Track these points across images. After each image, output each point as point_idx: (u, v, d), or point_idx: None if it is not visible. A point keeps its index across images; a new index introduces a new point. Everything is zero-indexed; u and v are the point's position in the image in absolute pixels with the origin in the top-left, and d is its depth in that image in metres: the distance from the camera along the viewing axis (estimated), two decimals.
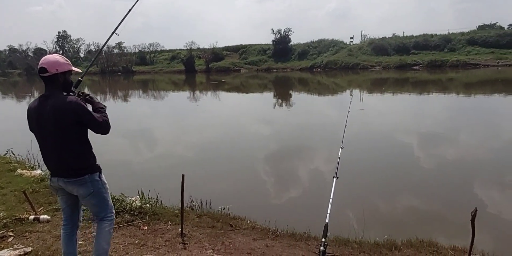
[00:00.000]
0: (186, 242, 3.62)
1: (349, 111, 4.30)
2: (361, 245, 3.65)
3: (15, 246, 3.44)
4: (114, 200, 4.35)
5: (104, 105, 2.74)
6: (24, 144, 7.47)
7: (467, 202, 5.45)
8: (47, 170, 2.66)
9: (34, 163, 7.02)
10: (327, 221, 2.75)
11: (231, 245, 3.59)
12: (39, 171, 6.23)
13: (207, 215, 4.48)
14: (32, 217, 4.10)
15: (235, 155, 8.85)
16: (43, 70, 2.47)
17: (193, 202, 5.03)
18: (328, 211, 2.80)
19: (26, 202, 4.28)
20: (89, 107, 2.65)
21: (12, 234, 3.74)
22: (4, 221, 3.96)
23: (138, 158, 8.73)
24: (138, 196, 4.84)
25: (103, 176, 2.72)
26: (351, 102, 4.84)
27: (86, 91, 2.81)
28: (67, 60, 2.59)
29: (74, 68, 2.64)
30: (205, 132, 11.92)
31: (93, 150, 2.67)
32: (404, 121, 12.86)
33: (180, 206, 3.78)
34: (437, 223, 4.88)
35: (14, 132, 12.35)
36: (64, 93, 2.58)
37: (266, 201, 5.85)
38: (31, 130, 2.60)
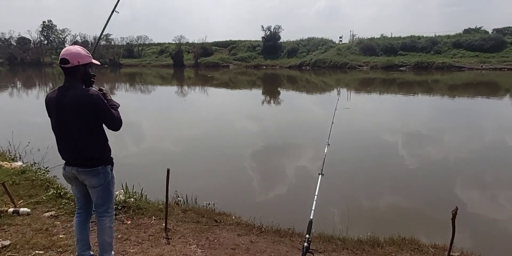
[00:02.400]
0: (170, 237, 3.59)
1: (336, 109, 4.32)
2: (345, 241, 3.69)
3: None
4: None
5: (118, 103, 2.77)
6: (5, 135, 7.29)
7: (448, 200, 5.58)
8: (62, 160, 2.69)
9: (15, 154, 6.84)
10: (311, 217, 2.75)
11: (216, 241, 3.58)
12: (19, 163, 6.07)
13: (192, 210, 4.45)
14: (11, 209, 3.99)
15: (221, 150, 8.82)
16: (65, 61, 2.49)
17: (178, 197, 4.99)
18: (313, 208, 2.81)
19: (5, 194, 4.16)
20: None
21: None
22: None
23: (123, 152, 8.60)
24: (122, 190, 4.76)
25: (113, 171, 2.77)
26: (338, 100, 4.88)
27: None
28: (88, 53, 2.61)
29: (94, 61, 2.66)
30: (192, 128, 11.83)
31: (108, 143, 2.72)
32: (390, 120, 13.06)
33: (165, 200, 3.74)
34: (419, 221, 4.98)
35: None
36: (84, 86, 2.59)
37: (252, 197, 5.86)
38: (50, 117, 2.63)
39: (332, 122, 4.03)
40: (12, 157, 6.66)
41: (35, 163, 6.07)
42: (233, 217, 4.31)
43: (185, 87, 28.19)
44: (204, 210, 4.51)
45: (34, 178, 5.12)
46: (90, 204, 2.87)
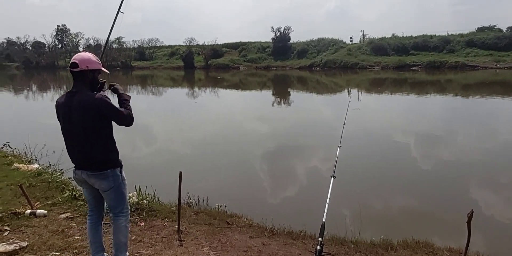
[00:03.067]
0: (182, 239, 3.62)
1: (347, 111, 4.30)
2: (357, 244, 3.66)
3: (11, 240, 3.43)
4: None
5: (129, 96, 2.82)
6: (21, 138, 7.47)
7: (463, 203, 5.48)
8: (71, 163, 2.75)
9: (31, 157, 6.99)
10: (324, 220, 2.76)
11: (228, 243, 3.60)
12: (36, 165, 6.20)
13: (204, 212, 4.48)
14: (28, 211, 4.09)
15: (232, 152, 8.85)
16: (74, 65, 2.56)
17: (190, 199, 5.03)
18: (325, 211, 2.81)
19: (23, 196, 4.26)
20: (114, 98, 2.75)
21: (8, 229, 3.73)
22: (0, 215, 3.94)
23: (135, 154, 8.71)
24: (135, 192, 4.82)
25: (123, 172, 2.81)
26: (349, 101, 4.85)
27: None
28: (98, 60, 2.69)
29: (103, 69, 2.73)
30: (203, 129, 11.90)
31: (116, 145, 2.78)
32: (401, 121, 12.91)
33: (177, 202, 3.77)
34: (433, 224, 4.90)
35: (11, 126, 12.32)
36: (90, 91, 2.65)
37: (263, 199, 5.86)
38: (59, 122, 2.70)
39: (344, 124, 4.02)
40: (29, 159, 6.81)
41: (50, 165, 6.19)
42: (245, 219, 4.32)
43: (196, 89, 28.37)
44: (216, 212, 4.53)
45: (50, 180, 5.23)
46: (101, 206, 2.92)
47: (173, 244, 3.53)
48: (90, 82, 2.64)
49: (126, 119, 2.66)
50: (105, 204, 2.98)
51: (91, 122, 2.55)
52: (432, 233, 4.31)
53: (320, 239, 2.59)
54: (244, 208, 4.74)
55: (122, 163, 2.78)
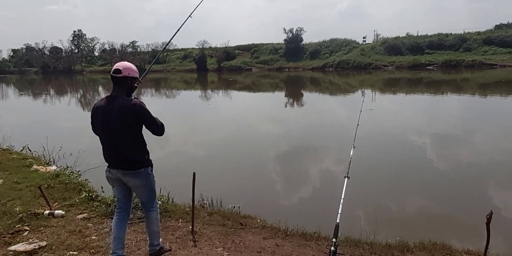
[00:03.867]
0: (196, 240, 3.65)
1: (361, 111, 4.26)
2: (373, 246, 3.61)
3: (30, 240, 3.52)
4: None
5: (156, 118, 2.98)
6: (40, 140, 7.67)
7: (480, 204, 5.35)
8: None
9: (49, 159, 7.17)
10: (338, 221, 2.73)
11: (242, 244, 3.60)
12: (54, 167, 6.35)
13: (217, 213, 4.50)
14: (47, 212, 4.19)
15: (246, 153, 8.87)
16: (117, 71, 2.79)
17: (204, 200, 5.05)
18: (339, 211, 2.79)
19: (41, 197, 4.37)
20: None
21: (28, 229, 3.83)
22: (20, 215, 4.05)
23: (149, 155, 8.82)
24: None
25: (153, 171, 3.02)
26: (363, 101, 4.79)
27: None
28: (137, 70, 2.93)
29: (139, 79, 2.99)
30: (216, 131, 11.97)
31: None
32: (417, 121, 12.67)
33: (191, 203, 3.80)
34: (450, 225, 4.80)
35: (30, 129, 12.65)
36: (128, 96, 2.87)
37: (276, 200, 5.85)
38: (93, 125, 2.91)
39: (358, 124, 3.98)
40: (47, 161, 6.99)
41: (67, 167, 6.34)
42: (258, 220, 4.31)
43: (209, 91, 28.56)
44: (229, 213, 4.55)
45: (67, 181, 5.35)
46: (129, 205, 3.11)
47: (187, 244, 3.56)
48: (128, 88, 2.86)
49: (160, 128, 2.90)
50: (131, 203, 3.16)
51: (128, 125, 2.76)
52: (449, 235, 4.23)
53: (334, 240, 2.57)
54: (257, 209, 4.74)
55: (152, 162, 3.00)
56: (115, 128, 2.75)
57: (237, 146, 9.72)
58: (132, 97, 2.86)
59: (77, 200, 4.62)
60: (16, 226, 3.84)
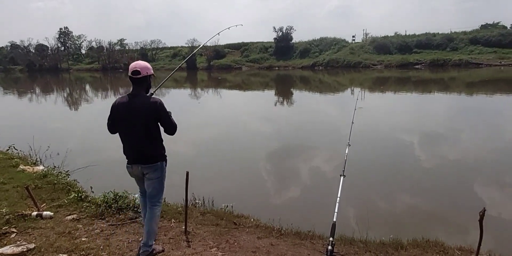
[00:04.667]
0: (190, 240, 3.59)
1: (355, 109, 4.26)
2: (367, 244, 3.61)
3: (18, 242, 3.41)
4: (118, 197, 4.33)
5: (170, 112, 3.13)
6: (26, 139, 7.47)
7: (472, 202, 5.42)
8: (126, 158, 3.10)
9: (36, 159, 6.99)
10: (334, 220, 2.71)
11: (236, 243, 3.56)
12: (41, 167, 6.20)
13: (210, 213, 4.44)
14: (35, 213, 4.07)
15: (237, 152, 8.81)
16: (136, 72, 2.92)
17: (196, 199, 5.00)
18: (336, 210, 2.77)
19: (29, 198, 4.24)
20: None
21: (15, 231, 3.71)
22: (7, 217, 3.93)
23: None
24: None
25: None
26: (357, 99, 4.80)
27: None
28: (150, 65, 3.06)
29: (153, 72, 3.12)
30: (207, 130, 11.88)
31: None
32: (406, 120, 12.81)
33: (184, 203, 3.74)
34: (443, 223, 4.84)
35: (16, 128, 12.35)
36: (147, 94, 3.06)
37: (269, 199, 5.82)
38: (112, 121, 3.04)
39: (352, 122, 3.97)
40: (34, 161, 6.80)
41: (55, 167, 6.18)
42: (252, 220, 4.27)
43: (199, 90, 28.37)
44: (223, 213, 4.50)
45: (55, 182, 5.21)
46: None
47: (180, 245, 3.50)
48: (147, 85, 3.03)
49: (174, 127, 3.07)
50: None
51: (149, 122, 2.92)
52: (442, 232, 4.27)
53: (331, 239, 2.55)
54: (250, 208, 4.70)
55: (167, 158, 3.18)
56: (136, 124, 2.90)
57: (228, 144, 9.66)
58: (151, 94, 3.03)
59: (66, 201, 4.51)
60: (3, 228, 3.71)
